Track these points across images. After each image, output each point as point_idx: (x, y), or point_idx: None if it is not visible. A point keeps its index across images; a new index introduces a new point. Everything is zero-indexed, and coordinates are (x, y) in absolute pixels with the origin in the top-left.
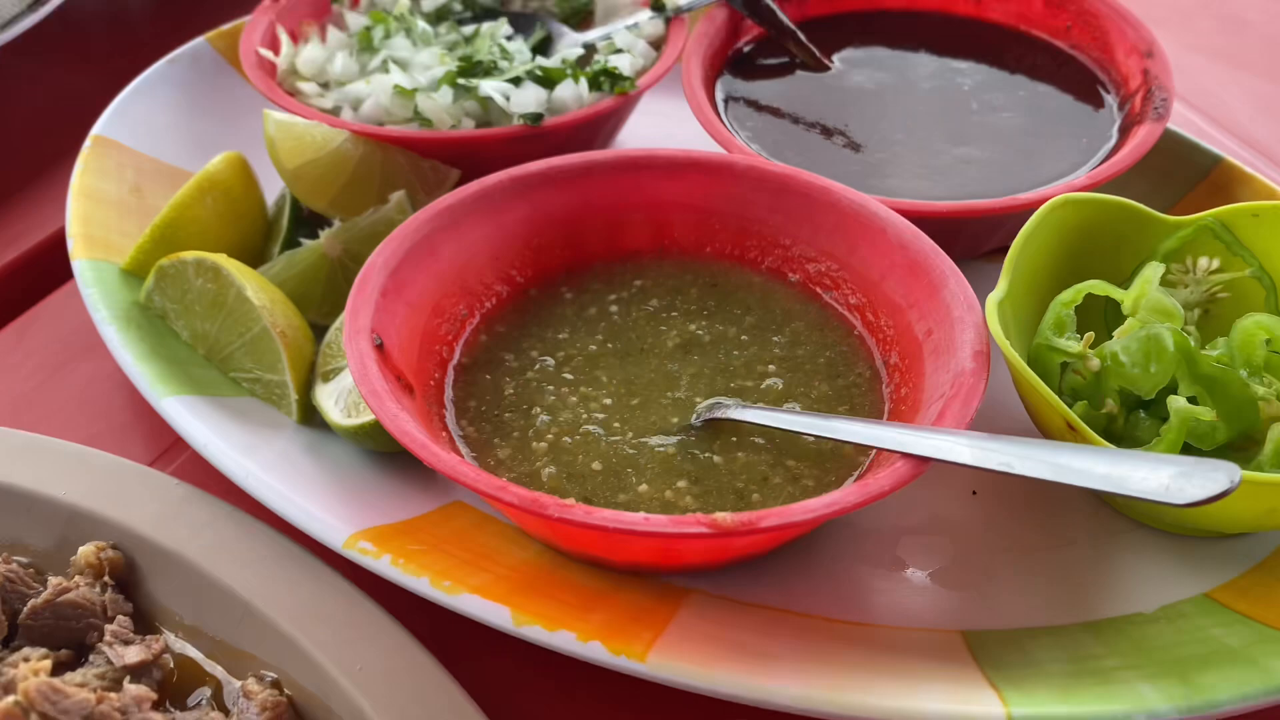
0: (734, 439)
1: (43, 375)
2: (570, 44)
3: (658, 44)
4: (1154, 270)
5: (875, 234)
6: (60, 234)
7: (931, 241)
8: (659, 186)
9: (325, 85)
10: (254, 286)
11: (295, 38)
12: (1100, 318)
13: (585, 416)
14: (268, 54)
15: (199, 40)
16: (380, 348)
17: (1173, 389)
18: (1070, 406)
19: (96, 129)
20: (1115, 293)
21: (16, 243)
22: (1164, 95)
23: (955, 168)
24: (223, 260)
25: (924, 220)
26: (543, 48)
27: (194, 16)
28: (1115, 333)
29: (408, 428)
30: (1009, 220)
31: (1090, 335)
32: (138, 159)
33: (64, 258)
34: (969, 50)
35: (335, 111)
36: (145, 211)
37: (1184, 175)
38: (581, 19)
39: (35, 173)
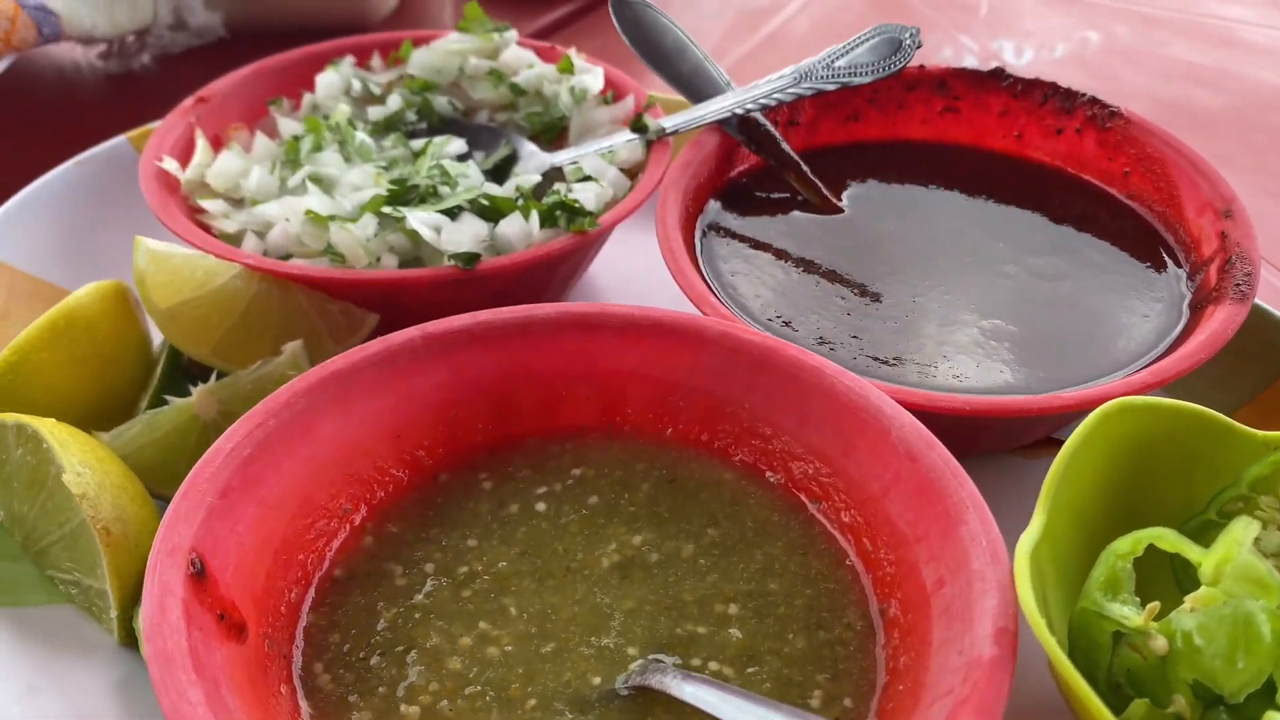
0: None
1: None
2: (536, 166)
3: (636, 170)
4: (1244, 530)
5: (877, 435)
6: None
7: (949, 457)
8: (612, 351)
9: (240, 203)
10: (79, 466)
11: (218, 144)
12: (1167, 569)
13: (477, 671)
14: (173, 165)
15: (119, 139)
16: (200, 575)
17: (1270, 691)
18: (1125, 700)
19: None
20: (1189, 550)
21: None
22: (1247, 268)
23: (983, 345)
24: (46, 429)
25: (941, 416)
26: (505, 168)
27: (140, 110)
28: (1188, 599)
29: (192, 716)
30: (1049, 418)
31: (1155, 606)
32: (13, 277)
33: None
34: (1006, 195)
35: (238, 237)
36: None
37: (1270, 359)
38: (555, 136)
39: None
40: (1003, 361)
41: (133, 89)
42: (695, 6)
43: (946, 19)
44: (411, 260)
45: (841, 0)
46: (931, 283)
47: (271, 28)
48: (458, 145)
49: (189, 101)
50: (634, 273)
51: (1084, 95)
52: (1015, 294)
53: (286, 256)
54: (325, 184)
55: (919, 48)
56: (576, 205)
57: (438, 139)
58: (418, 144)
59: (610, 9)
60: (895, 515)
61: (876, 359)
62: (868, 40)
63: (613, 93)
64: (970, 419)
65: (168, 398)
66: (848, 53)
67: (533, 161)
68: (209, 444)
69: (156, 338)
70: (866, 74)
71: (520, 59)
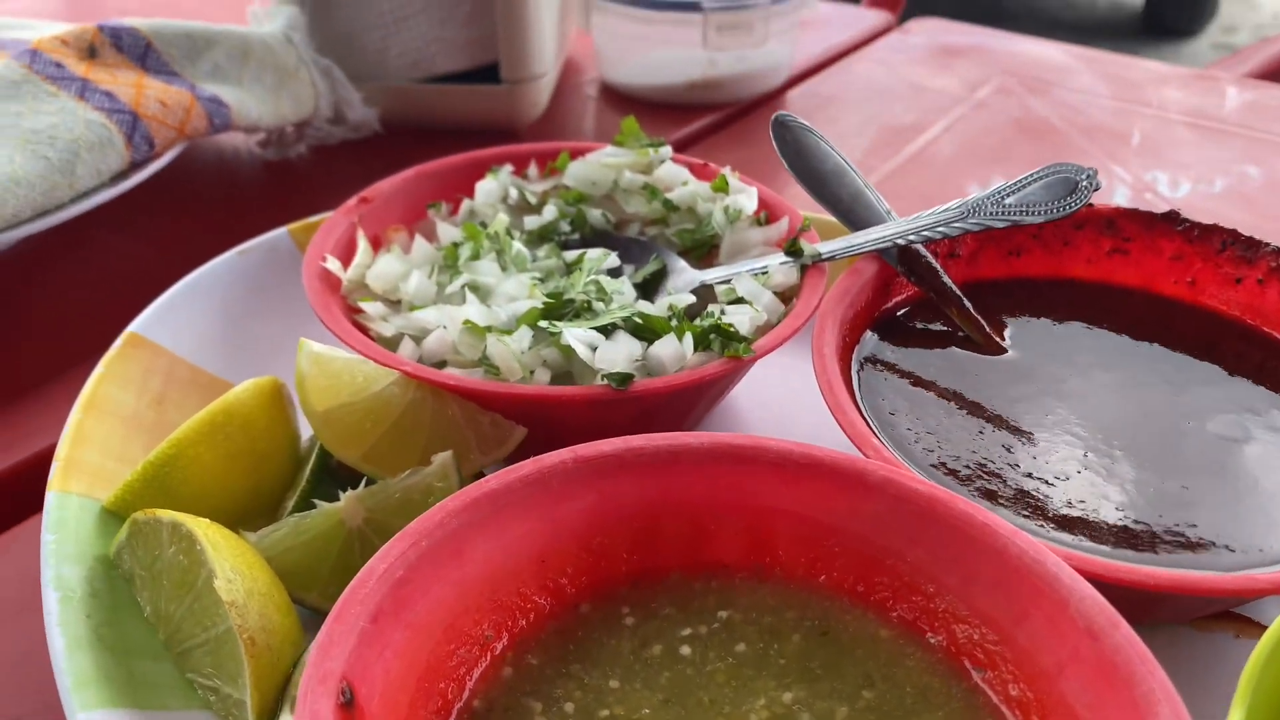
0: None
1: None
2: (686, 282)
3: (790, 294)
4: None
5: (1054, 605)
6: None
7: (1134, 638)
8: (765, 488)
9: (397, 304)
10: (230, 571)
11: (378, 244)
12: None
13: None
14: (335, 265)
15: (280, 231)
16: (349, 704)
17: None
18: None
19: (134, 326)
20: None
21: (9, 451)
22: None
23: (1162, 511)
24: (201, 530)
25: (1121, 588)
26: (655, 282)
27: (295, 198)
28: None
29: None
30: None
31: None
32: (171, 363)
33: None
34: (1178, 344)
35: (395, 341)
36: (161, 431)
37: None
38: (705, 253)
39: (68, 364)
40: (1185, 530)
41: (289, 177)
42: (837, 122)
43: (1097, 147)
44: (562, 374)
45: (986, 123)
46: (1103, 437)
47: (423, 126)
48: (611, 260)
49: (352, 201)
50: (779, 398)
51: (1268, 245)
52: (1196, 455)
53: (441, 363)
54: (482, 292)
55: (1096, 190)
56: (731, 330)
57: (592, 253)
58: (571, 255)
59: (771, 133)
60: (1072, 697)
61: (1048, 518)
62: (1041, 178)
63: (766, 213)
64: (1151, 594)
65: (316, 501)
66: (1019, 190)
67: (683, 278)
68: (353, 551)
69: (304, 432)
70: (1038, 213)
71: (674, 175)
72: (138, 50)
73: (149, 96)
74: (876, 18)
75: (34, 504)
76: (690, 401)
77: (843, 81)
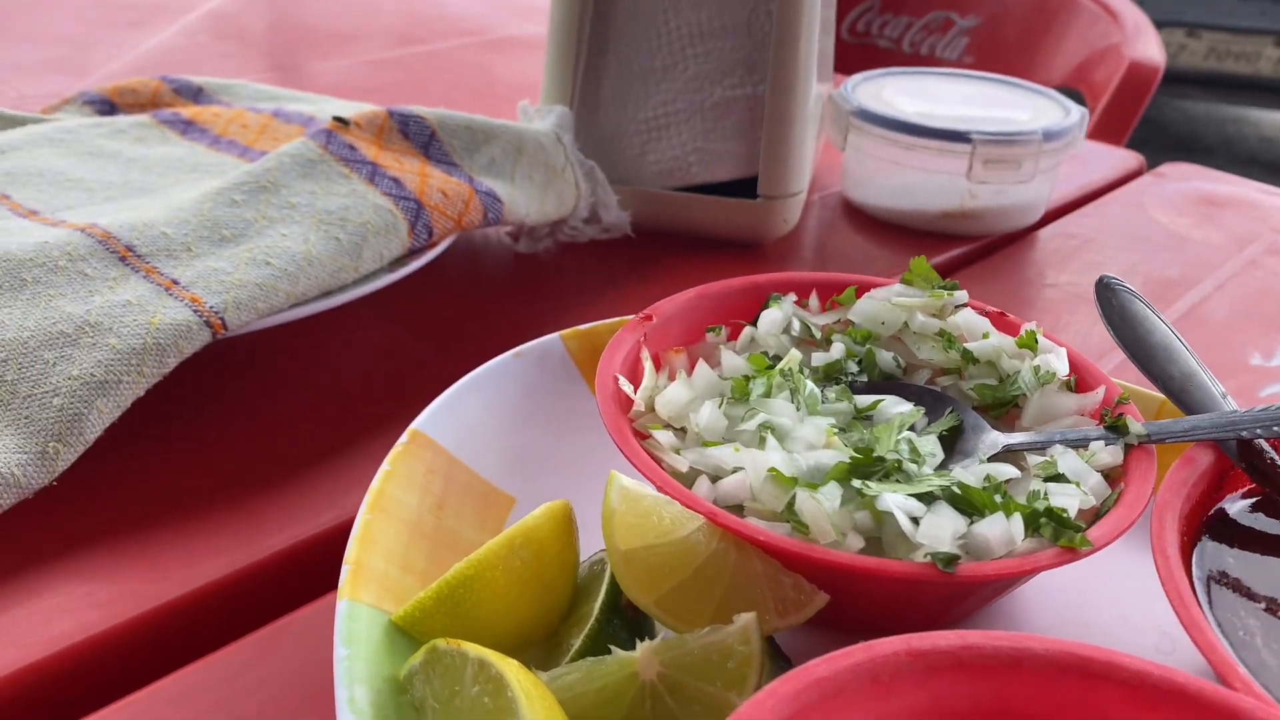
0: None
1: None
2: (989, 445)
3: (1113, 474)
4: None
5: None
6: (339, 527)
7: None
8: (1114, 710)
9: (682, 430)
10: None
11: (658, 364)
12: None
13: None
14: (628, 388)
15: (552, 337)
16: None
17: None
18: None
19: (417, 423)
20: None
21: (294, 528)
22: None
23: None
24: (512, 674)
25: None
26: (950, 439)
27: (544, 291)
28: None
29: None
30: None
31: None
32: (450, 465)
33: (333, 559)
34: None
35: (690, 477)
36: (440, 538)
37: None
38: (1003, 413)
39: (344, 444)
40: None
41: (537, 270)
42: (1097, 268)
43: None
44: (871, 539)
45: (1262, 285)
46: None
47: (669, 231)
48: (913, 413)
49: (635, 319)
50: (1074, 588)
51: None
52: None
53: (737, 508)
54: (778, 433)
55: None
56: (1064, 516)
57: (899, 406)
58: (862, 400)
59: (1095, 293)
60: None
61: None
62: None
63: (1074, 378)
64: None
65: (612, 647)
66: None
67: (984, 439)
68: (643, 706)
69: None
70: None
71: (974, 325)
72: (422, 138)
73: (432, 186)
74: (1128, 157)
75: (308, 588)
76: (1003, 590)
77: (1097, 224)
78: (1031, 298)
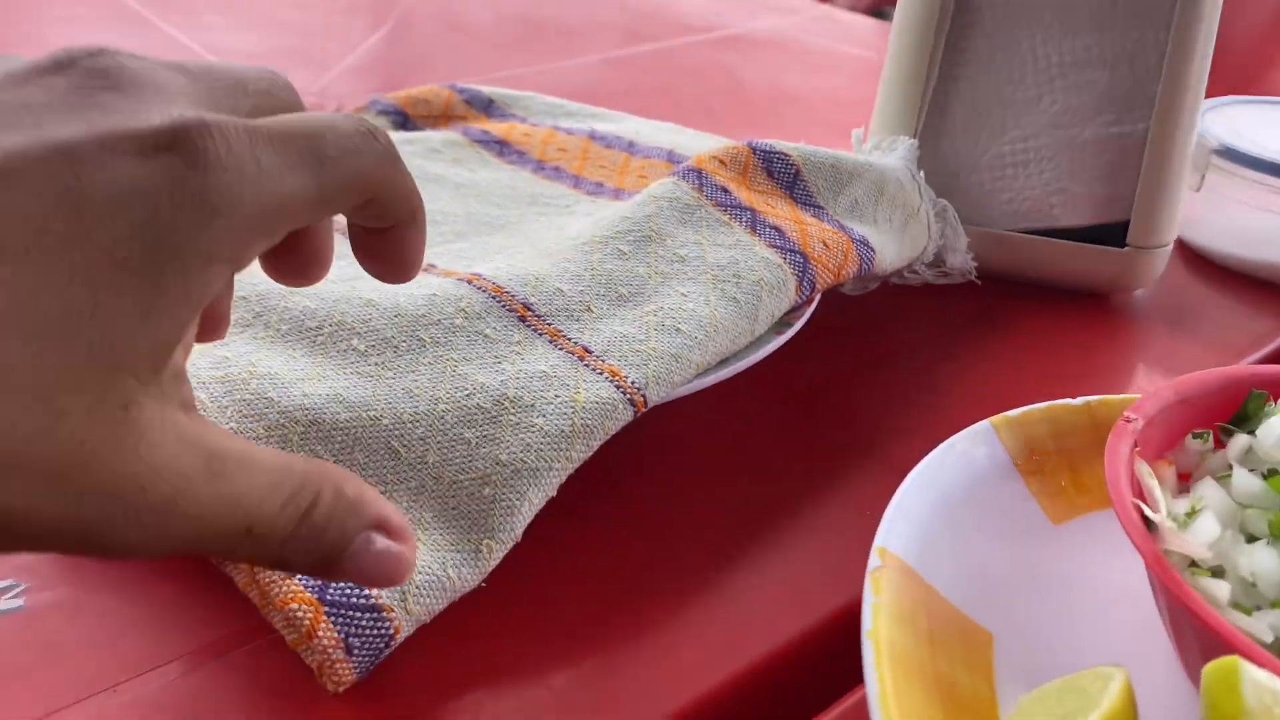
0: None
1: None
2: None
3: None
4: None
5: None
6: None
7: None
8: None
9: (1218, 571)
10: None
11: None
12: None
13: None
14: (1158, 519)
15: (983, 425)
16: None
17: None
18: None
19: (880, 539)
20: None
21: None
22: None
23: None
24: None
25: None
26: None
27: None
28: None
29: None
30: None
31: None
32: (928, 596)
33: None
34: None
35: (1276, 645)
36: (942, 689)
37: None
38: None
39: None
40: None
41: (861, 313)
42: None
43: None
44: None
45: None
46: None
47: (1010, 277)
48: None
49: (1121, 421)
50: None
51: None
52: None
53: None
54: None
55: None
56: None
57: None
58: None
59: None
60: None
61: None
62: None
63: None
64: None
65: None
66: None
67: None
68: None
69: None
70: None
71: None
72: (787, 177)
73: (812, 235)
74: None
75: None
76: None
77: None
78: None
